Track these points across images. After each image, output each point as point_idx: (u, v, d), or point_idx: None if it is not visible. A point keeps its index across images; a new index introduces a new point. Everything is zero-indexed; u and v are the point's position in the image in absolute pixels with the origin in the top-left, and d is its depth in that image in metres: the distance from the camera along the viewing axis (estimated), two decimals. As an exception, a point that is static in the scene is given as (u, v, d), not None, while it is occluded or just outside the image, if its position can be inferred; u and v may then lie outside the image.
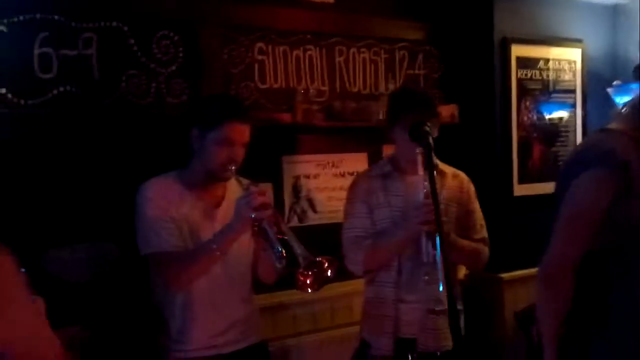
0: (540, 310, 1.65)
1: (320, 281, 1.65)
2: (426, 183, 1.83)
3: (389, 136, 2.09)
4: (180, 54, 2.51)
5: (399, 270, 2.01)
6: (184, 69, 2.51)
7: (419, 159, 1.87)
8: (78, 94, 2.29)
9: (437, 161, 2.04)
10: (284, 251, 1.65)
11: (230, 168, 1.81)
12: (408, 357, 2.00)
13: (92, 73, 2.32)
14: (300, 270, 1.63)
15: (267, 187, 1.79)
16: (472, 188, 2.17)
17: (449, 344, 1.97)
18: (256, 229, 1.72)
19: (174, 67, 2.50)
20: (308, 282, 1.64)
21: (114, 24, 2.36)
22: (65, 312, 1.88)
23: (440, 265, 1.78)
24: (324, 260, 1.65)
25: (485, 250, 2.13)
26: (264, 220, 1.69)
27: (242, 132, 1.84)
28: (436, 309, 1.82)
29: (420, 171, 1.88)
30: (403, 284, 2.01)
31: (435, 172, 1.80)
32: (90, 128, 2.30)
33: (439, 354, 2.00)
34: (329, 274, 1.64)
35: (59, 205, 2.23)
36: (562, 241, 1.59)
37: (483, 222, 2.16)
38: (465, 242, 2.05)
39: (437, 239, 1.79)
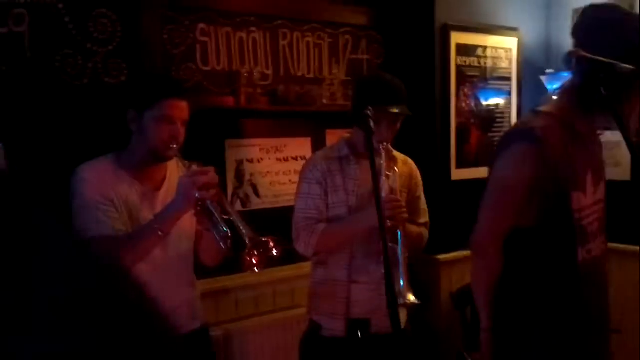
0: (473, 277, 1.79)
1: (267, 261, 1.66)
2: (388, 175, 1.94)
3: (352, 121, 2.11)
4: (119, 34, 2.43)
5: (352, 254, 2.06)
6: (123, 49, 2.43)
7: (382, 151, 1.96)
8: (9, 73, 2.18)
9: (390, 147, 2.11)
10: (229, 231, 1.64)
11: (172, 146, 1.79)
12: (359, 338, 2.04)
13: (24, 51, 2.22)
14: (247, 250, 1.63)
15: (211, 168, 1.76)
16: (419, 174, 2.24)
17: (401, 322, 2.03)
18: (199, 209, 1.70)
19: (111, 47, 2.42)
20: (254, 261, 1.64)
21: (48, 0, 2.26)
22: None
23: (401, 261, 1.86)
24: (270, 240, 1.66)
25: (427, 234, 2.22)
26: (207, 200, 1.67)
27: (180, 109, 1.82)
28: (399, 302, 1.85)
29: (383, 162, 1.95)
30: (356, 267, 2.05)
31: (388, 158, 1.88)
32: (22, 109, 2.21)
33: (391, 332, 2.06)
34: (274, 253, 1.65)
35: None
36: (489, 213, 1.69)
37: (426, 207, 2.24)
38: (413, 228, 2.12)
39: (399, 234, 1.89)
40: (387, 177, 2.00)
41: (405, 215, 1.96)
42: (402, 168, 2.16)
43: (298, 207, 2.11)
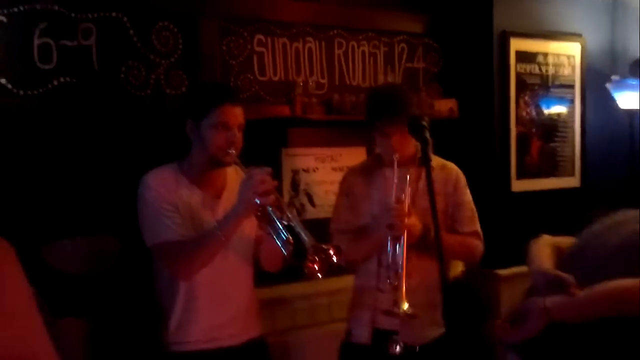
0: None
1: (327, 267, 1.66)
2: (395, 185, 1.92)
3: (370, 132, 2.11)
4: (180, 46, 2.50)
5: (379, 262, 2.03)
6: (184, 61, 2.50)
7: (395, 161, 1.95)
8: (78, 85, 2.28)
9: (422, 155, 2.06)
10: (290, 237, 1.66)
11: (230, 152, 1.82)
12: (388, 349, 1.96)
13: (92, 64, 2.31)
14: (308, 256, 1.64)
15: (268, 169, 1.77)
16: (461, 179, 2.14)
17: (428, 338, 2.00)
18: (259, 214, 1.72)
19: (173, 59, 2.49)
20: (316, 267, 1.65)
21: (114, 14, 2.34)
22: (65, 305, 1.89)
23: (401, 269, 1.84)
24: (331, 247, 1.67)
25: (477, 243, 2.11)
26: (268, 206, 1.69)
27: (235, 114, 1.85)
28: (393, 311, 1.85)
29: (395, 170, 1.94)
30: (383, 276, 2.01)
31: (422, 165, 1.85)
32: (90, 119, 2.30)
33: (417, 348, 2.01)
34: (335, 259, 1.66)
35: (58, 197, 2.23)
36: None
37: (474, 215, 2.14)
38: (452, 238, 2.04)
39: (402, 242, 1.86)
40: (398, 186, 1.96)
41: (408, 223, 1.90)
42: (437, 174, 2.04)
43: (332, 219, 2.17)
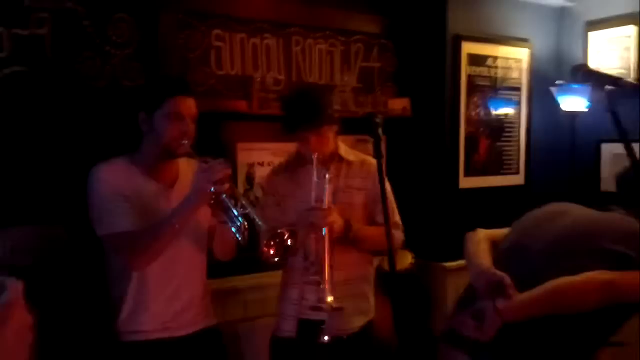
0: None
1: (283, 251, 1.73)
2: (314, 183, 1.98)
3: (288, 131, 2.12)
4: (137, 37, 2.50)
5: (306, 257, 2.07)
6: (140, 53, 2.50)
7: (314, 161, 2.00)
8: (30, 74, 2.25)
9: (342, 150, 2.15)
10: (245, 223, 1.70)
11: (183, 142, 1.84)
12: (317, 338, 1.99)
13: (45, 53, 2.28)
14: (265, 241, 1.70)
15: (222, 160, 1.80)
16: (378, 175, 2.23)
17: (354, 326, 2.09)
18: (214, 202, 1.75)
19: (129, 50, 2.48)
20: (272, 252, 1.71)
21: (69, 4, 2.32)
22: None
23: (326, 263, 1.90)
24: (285, 231, 1.74)
25: (398, 233, 2.16)
26: (222, 194, 1.72)
27: (188, 105, 1.88)
28: (319, 306, 1.91)
29: (314, 169, 2.00)
30: (309, 268, 2.05)
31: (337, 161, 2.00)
32: (43, 109, 2.27)
33: (345, 337, 2.08)
34: (289, 243, 1.74)
35: (8, 185, 2.20)
36: None
37: (394, 206, 2.19)
38: (374, 230, 2.08)
39: (324, 240, 1.92)
40: (318, 184, 2.01)
41: (329, 220, 1.94)
42: (357, 169, 2.15)
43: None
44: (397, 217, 2.20)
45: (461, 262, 3.08)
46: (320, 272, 1.92)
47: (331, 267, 1.92)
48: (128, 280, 1.86)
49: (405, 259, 3.02)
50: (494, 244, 1.92)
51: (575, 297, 1.58)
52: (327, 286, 1.89)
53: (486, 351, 1.67)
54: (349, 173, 2.13)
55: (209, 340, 2.00)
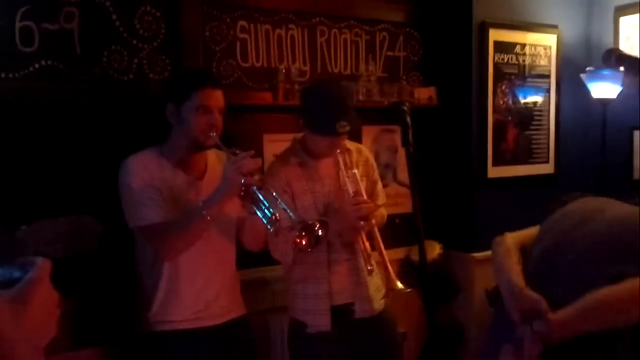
0: None
1: (314, 241, 1.75)
2: (346, 179, 2.03)
3: (302, 127, 2.13)
4: (162, 31, 2.51)
5: (328, 249, 2.08)
6: (166, 46, 2.51)
7: (339, 157, 2.07)
8: (59, 68, 2.28)
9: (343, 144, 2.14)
10: (276, 214, 1.69)
11: (211, 134, 1.85)
12: (344, 328, 2.09)
13: (74, 48, 2.31)
14: (297, 232, 1.72)
15: (251, 152, 1.81)
16: (372, 159, 2.30)
17: (377, 309, 2.15)
18: (244, 194, 1.75)
19: (155, 44, 2.50)
20: (304, 242, 1.74)
21: (96, -1, 2.35)
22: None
23: (385, 253, 1.98)
24: (316, 222, 1.75)
25: (385, 213, 2.30)
26: (252, 186, 1.72)
27: (215, 98, 1.89)
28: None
29: (342, 165, 2.06)
30: (334, 260, 2.09)
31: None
32: (72, 102, 2.30)
33: (375, 314, 2.16)
34: (320, 233, 1.75)
35: (41, 179, 2.23)
36: None
37: (382, 187, 2.31)
38: (381, 211, 2.23)
39: (376, 231, 2.01)
40: (349, 177, 2.07)
41: (373, 211, 2.03)
42: (357, 157, 2.21)
43: None
44: (384, 198, 2.31)
45: (489, 252, 3.07)
46: (370, 262, 2.01)
47: (365, 256, 2.01)
48: (159, 271, 1.88)
49: (434, 250, 2.99)
50: (524, 249, 1.83)
51: (621, 309, 1.46)
52: (391, 273, 1.97)
53: None
54: (352, 162, 2.16)
55: (238, 331, 2.02)
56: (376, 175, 2.29)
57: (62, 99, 2.28)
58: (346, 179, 2.05)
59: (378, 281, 2.17)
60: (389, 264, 1.98)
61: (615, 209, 1.73)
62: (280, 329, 2.59)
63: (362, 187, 2.10)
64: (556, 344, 1.50)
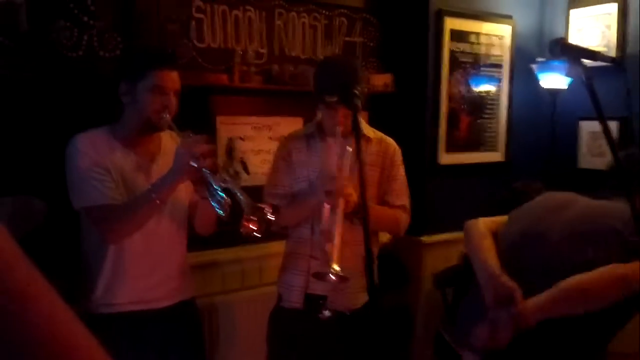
0: None
1: (264, 226, 1.70)
2: (337, 154, 1.97)
3: (315, 102, 2.13)
4: (114, 8, 2.45)
5: (312, 229, 2.09)
6: (118, 24, 2.46)
7: (338, 131, 2.00)
8: (5, 44, 2.21)
9: (363, 126, 2.14)
10: (227, 198, 1.68)
11: (165, 116, 1.82)
12: (319, 313, 2.04)
13: (20, 23, 2.24)
14: (245, 215, 1.67)
15: (204, 136, 1.79)
16: (398, 155, 2.21)
17: (358, 303, 2.09)
18: (195, 177, 1.73)
19: (107, 21, 2.44)
20: (252, 227, 1.68)
21: (45, -29, 2.27)
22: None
23: (334, 236, 1.87)
24: (267, 206, 1.71)
25: (404, 217, 2.18)
26: (204, 169, 1.70)
27: (172, 79, 1.85)
28: (324, 272, 1.85)
29: (338, 139, 2.01)
30: (316, 242, 2.08)
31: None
32: (18, 79, 2.24)
33: (348, 313, 2.10)
34: (270, 218, 1.70)
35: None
36: None
37: (406, 189, 2.21)
38: (381, 210, 2.11)
39: (338, 210, 1.90)
40: (340, 156, 2.02)
41: (347, 191, 1.93)
42: (375, 147, 2.17)
43: (266, 183, 2.20)
44: (407, 201, 2.20)
45: (438, 237, 3.16)
46: (330, 241, 1.89)
47: (341, 238, 1.88)
48: (105, 253, 1.85)
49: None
50: (495, 236, 1.89)
51: (594, 294, 1.54)
52: (333, 255, 1.84)
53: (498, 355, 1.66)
54: (367, 149, 2.12)
55: (185, 313, 2.01)
56: (396, 172, 2.19)
57: (8, 75, 2.21)
58: (335, 155, 2.02)
59: (363, 278, 2.01)
60: (334, 248, 1.88)
61: (586, 199, 1.83)
62: (230, 312, 2.61)
63: (348, 168, 2.02)
64: (530, 328, 1.58)
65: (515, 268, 1.71)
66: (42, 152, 2.21)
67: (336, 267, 1.82)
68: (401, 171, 2.22)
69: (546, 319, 1.58)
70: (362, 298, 2.07)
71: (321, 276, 1.85)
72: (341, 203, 1.92)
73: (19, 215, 2.19)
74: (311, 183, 2.07)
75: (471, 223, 1.96)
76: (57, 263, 2.20)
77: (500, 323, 1.61)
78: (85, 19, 2.38)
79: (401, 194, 2.19)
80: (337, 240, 1.89)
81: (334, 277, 1.80)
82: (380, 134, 2.22)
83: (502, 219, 1.98)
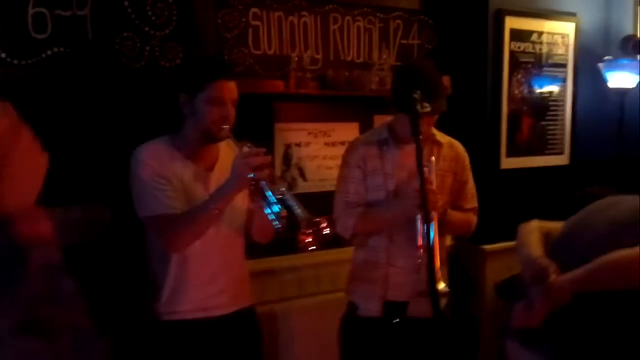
0: None
1: (320, 239, 1.69)
2: (426, 165, 1.92)
3: (391, 108, 2.10)
4: (174, 17, 2.49)
5: (390, 237, 2.08)
6: (178, 33, 2.50)
7: (420, 142, 1.92)
8: (72, 55, 2.28)
9: (434, 131, 2.10)
10: (283, 210, 1.68)
11: (224, 127, 1.83)
12: (395, 320, 2.07)
13: (86, 34, 2.31)
14: (301, 229, 1.67)
15: (263, 149, 1.80)
16: (467, 159, 2.22)
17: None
18: (253, 188, 1.74)
19: (167, 31, 2.48)
20: (309, 240, 1.68)
21: (109, -15, 2.34)
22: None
23: (434, 248, 1.85)
24: (323, 220, 1.70)
25: (475, 219, 2.23)
26: (261, 180, 1.71)
27: (229, 89, 1.86)
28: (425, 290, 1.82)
29: (420, 150, 1.92)
30: (394, 251, 2.07)
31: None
32: (84, 89, 2.30)
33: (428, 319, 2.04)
34: (327, 231, 1.69)
35: (51, 166, 2.24)
36: None
37: (475, 192, 2.24)
38: (456, 215, 2.13)
39: (432, 224, 1.87)
40: (425, 166, 1.98)
41: (439, 204, 1.95)
42: (447, 152, 2.15)
43: (338, 190, 2.16)
44: (476, 203, 2.23)
45: (501, 244, 3.05)
46: (427, 256, 1.84)
47: (449, 251, 1.95)
48: (168, 262, 1.89)
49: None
50: (548, 236, 1.86)
51: (635, 268, 1.49)
52: (437, 271, 1.85)
53: (538, 339, 1.62)
54: (439, 154, 2.12)
55: (245, 321, 2.03)
56: (467, 176, 2.21)
57: (74, 85, 2.28)
58: (422, 166, 1.96)
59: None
60: (436, 263, 1.86)
61: (633, 198, 1.77)
62: (288, 319, 2.60)
63: (441, 180, 2.05)
64: (567, 302, 1.53)
65: (560, 257, 1.67)
66: (109, 161, 2.26)
67: (441, 286, 1.86)
68: (470, 174, 2.23)
69: (587, 295, 1.52)
70: (442, 304, 2.02)
71: (425, 295, 1.83)
72: (435, 215, 1.92)
73: (86, 223, 2.25)
74: (390, 193, 2.05)
75: (523, 224, 1.94)
76: (124, 271, 2.27)
77: (534, 297, 1.57)
78: (147, 29, 2.43)
79: (471, 197, 2.22)
80: (436, 253, 1.87)
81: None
82: (448, 138, 2.21)
83: (558, 223, 1.93)
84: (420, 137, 1.91)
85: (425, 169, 1.94)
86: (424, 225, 1.89)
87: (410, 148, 1.98)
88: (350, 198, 2.10)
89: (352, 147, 2.19)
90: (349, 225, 2.08)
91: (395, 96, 2.04)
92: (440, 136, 2.17)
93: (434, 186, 1.96)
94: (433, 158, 2.03)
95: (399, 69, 2.22)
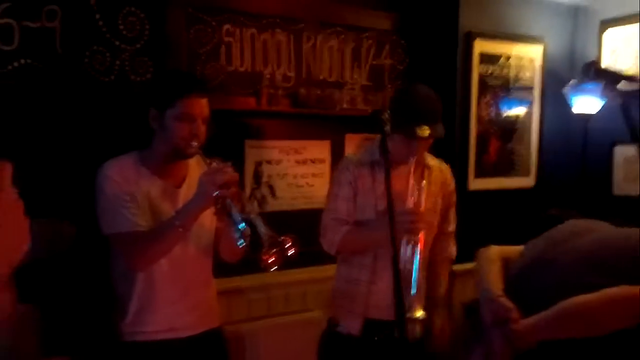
0: None
1: (283, 260, 1.65)
2: (412, 187, 1.96)
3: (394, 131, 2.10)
4: (146, 32, 2.48)
5: (375, 256, 2.08)
6: (149, 48, 2.48)
7: (412, 163, 2.00)
8: (39, 68, 2.24)
9: (423, 156, 2.13)
10: (248, 229, 1.65)
11: (193, 144, 1.81)
12: (374, 339, 2.05)
13: (55, 47, 2.27)
14: (264, 248, 1.63)
15: (229, 164, 1.78)
16: (453, 182, 2.25)
17: (417, 331, 2.04)
18: (219, 206, 1.72)
19: (138, 45, 2.46)
20: (271, 260, 1.64)
21: (80, -3, 2.31)
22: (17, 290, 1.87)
23: (416, 273, 1.89)
24: (287, 239, 1.66)
25: (453, 249, 2.29)
26: (227, 198, 1.69)
27: (200, 106, 1.83)
28: (407, 315, 1.82)
29: (411, 177, 1.99)
30: (378, 269, 2.07)
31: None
32: (51, 102, 2.26)
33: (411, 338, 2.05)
34: (291, 252, 1.65)
35: (15, 179, 2.19)
36: None
37: (455, 215, 2.27)
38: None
39: (417, 249, 1.90)
40: (417, 189, 2.01)
41: (421, 227, 1.94)
42: (437, 175, 2.17)
43: (327, 207, 2.15)
44: (454, 226, 2.24)
45: (468, 265, 3.07)
46: (409, 279, 1.88)
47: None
48: (134, 280, 1.84)
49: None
50: (508, 262, 1.85)
51: (595, 316, 1.47)
52: (418, 296, 1.88)
53: None
54: (430, 178, 2.13)
55: (211, 342, 1.99)
56: (454, 199, 2.24)
57: (41, 98, 2.24)
58: (412, 188, 2.00)
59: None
60: (414, 288, 1.89)
61: (606, 227, 1.77)
62: (255, 339, 2.57)
63: (429, 202, 2.06)
64: (528, 348, 1.53)
65: (522, 293, 1.67)
66: (76, 176, 2.22)
67: (419, 313, 1.88)
68: (455, 198, 2.26)
69: (553, 341, 1.52)
70: (417, 330, 2.03)
71: (412, 321, 1.86)
72: (421, 240, 1.93)
73: (49, 237, 2.20)
74: (380, 213, 2.05)
75: (482, 249, 1.93)
76: (88, 288, 2.21)
77: (494, 343, 1.56)
78: (117, 43, 2.40)
79: (453, 220, 2.25)
80: (418, 278, 1.91)
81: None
82: (437, 161, 2.23)
83: (517, 248, 1.93)
84: (413, 159, 2.00)
85: (416, 192, 2.00)
86: (407, 249, 1.91)
87: (402, 170, 2.03)
88: (339, 215, 2.10)
89: (343, 165, 2.18)
90: (335, 241, 2.07)
91: (393, 118, 2.04)
92: (430, 158, 2.18)
93: (422, 209, 1.98)
94: (424, 182, 2.04)
95: (400, 90, 2.22)
